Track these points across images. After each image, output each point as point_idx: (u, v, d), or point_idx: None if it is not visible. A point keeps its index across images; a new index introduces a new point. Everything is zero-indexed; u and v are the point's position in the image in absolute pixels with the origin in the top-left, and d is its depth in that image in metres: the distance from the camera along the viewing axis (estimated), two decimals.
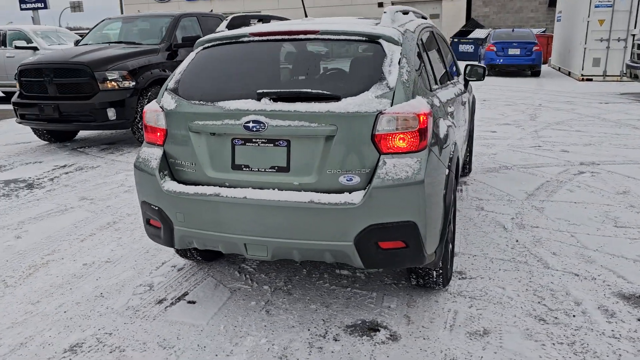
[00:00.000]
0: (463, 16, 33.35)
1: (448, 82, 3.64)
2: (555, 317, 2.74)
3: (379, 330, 2.67)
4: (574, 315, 2.75)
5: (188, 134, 2.64)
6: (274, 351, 2.51)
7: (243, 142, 2.55)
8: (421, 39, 3.11)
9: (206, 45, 2.93)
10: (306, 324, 2.74)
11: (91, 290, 3.18)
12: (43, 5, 27.45)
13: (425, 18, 4.06)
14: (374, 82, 2.47)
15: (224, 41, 2.87)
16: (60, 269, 3.48)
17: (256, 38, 2.80)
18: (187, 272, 3.39)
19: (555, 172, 5.43)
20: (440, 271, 2.83)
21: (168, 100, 2.74)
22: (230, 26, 3.23)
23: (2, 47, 12.84)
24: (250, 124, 2.47)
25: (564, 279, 3.15)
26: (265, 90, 2.49)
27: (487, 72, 4.55)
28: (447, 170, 2.67)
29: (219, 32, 3.01)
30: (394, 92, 2.43)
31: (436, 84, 3.14)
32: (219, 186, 2.60)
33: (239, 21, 3.40)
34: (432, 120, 2.56)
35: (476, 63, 4.43)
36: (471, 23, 31.20)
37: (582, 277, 3.16)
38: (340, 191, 2.44)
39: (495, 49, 16.41)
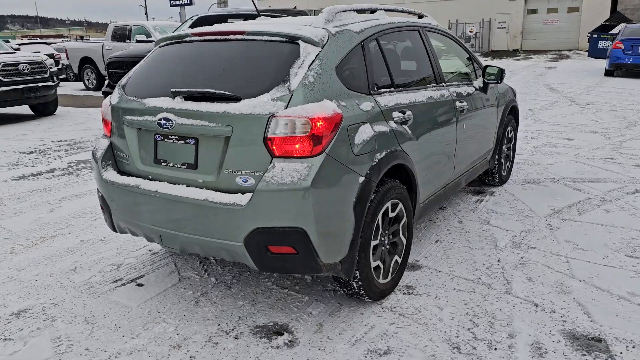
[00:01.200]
0: (607, 9, 30.20)
1: (431, 85, 3.43)
2: (474, 348, 2.50)
3: (282, 334, 2.65)
4: (495, 349, 2.48)
5: (123, 128, 2.84)
6: (173, 340, 2.62)
7: (162, 138, 2.68)
8: (376, 40, 2.98)
9: (161, 44, 3.10)
10: (221, 318, 2.81)
11: (69, 264, 3.54)
12: (189, 2, 30.17)
13: (421, 16, 3.84)
14: (277, 83, 2.44)
15: (172, 41, 3.01)
16: (60, 243, 3.92)
17: (196, 38, 2.90)
18: (158, 256, 3.62)
19: (606, 189, 4.81)
20: (360, 283, 2.72)
21: (116, 95, 2.95)
22: (193, 25, 3.36)
23: (128, 41, 14.45)
24: (162, 121, 2.59)
25: (518, 307, 2.84)
26: (176, 89, 2.59)
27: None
28: (362, 179, 2.54)
29: (179, 31, 3.16)
30: (292, 95, 2.38)
31: (391, 87, 2.99)
32: (144, 178, 2.76)
33: (200, 20, 3.50)
34: (342, 126, 2.46)
35: (494, 64, 4.03)
36: (616, 17, 28.13)
37: (540, 309, 2.82)
38: (236, 192, 2.46)
39: (622, 46, 14.66)
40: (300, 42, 2.59)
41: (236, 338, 2.63)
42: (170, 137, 2.64)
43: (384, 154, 2.70)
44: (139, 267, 3.45)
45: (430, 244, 3.71)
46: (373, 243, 2.74)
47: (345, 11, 2.96)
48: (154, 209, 2.66)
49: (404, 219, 3.04)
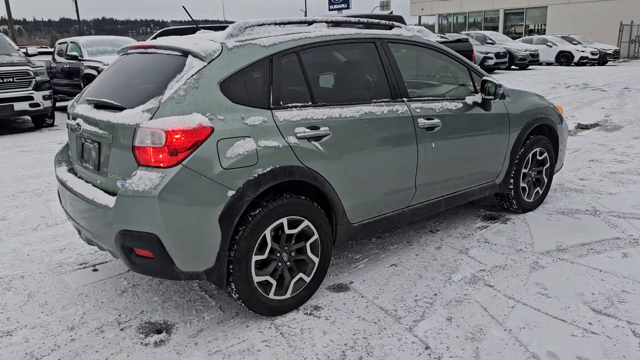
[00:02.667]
0: None
1: (379, 100, 3.25)
2: None
3: (160, 333, 2.79)
4: None
5: (67, 130, 3.23)
6: (73, 322, 2.92)
7: (84, 140, 2.99)
8: (295, 53, 2.95)
9: (119, 54, 3.43)
10: (126, 310, 3.05)
11: (62, 245, 4.08)
12: (346, 6, 31.34)
13: (391, 27, 3.64)
14: (154, 96, 2.59)
15: (122, 52, 3.32)
16: (64, 227, 4.49)
17: (130, 50, 3.17)
18: None
19: None
20: (238, 296, 2.74)
21: (73, 100, 3.36)
22: (154, 38, 3.63)
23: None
24: (76, 125, 2.91)
25: (404, 347, 2.61)
26: (88, 98, 2.88)
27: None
28: (232, 192, 2.57)
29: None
30: (159, 108, 2.51)
31: (307, 102, 2.93)
32: (76, 176, 3.12)
33: (164, 33, 3.73)
34: (210, 139, 2.52)
35: (490, 78, 3.57)
36: None
37: (427, 352, 2.56)
38: (116, 194, 2.67)
39: None
40: (189, 56, 2.70)
41: (121, 330, 2.84)
42: (86, 139, 2.94)
43: (268, 169, 2.68)
44: (110, 255, 3.84)
45: (382, 267, 3.52)
46: (256, 258, 2.74)
47: (261, 25, 2.98)
48: (72, 203, 2.99)
49: (314, 237, 2.96)
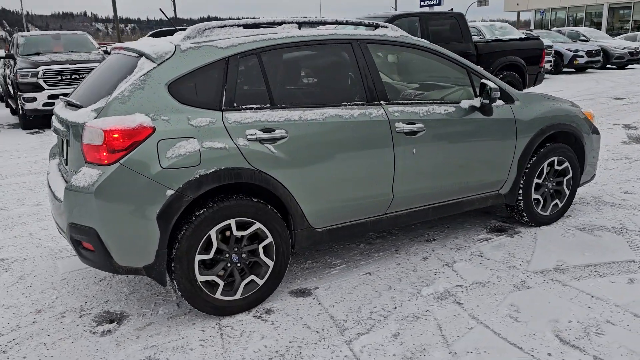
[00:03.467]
0: None
1: (350, 103, 3.15)
2: None
3: (111, 323, 2.91)
4: None
5: None
6: (43, 306, 3.12)
7: (58, 136, 3.18)
8: (256, 55, 2.93)
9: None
10: (93, 298, 3.20)
11: (49, 227, 4.36)
12: (438, 2, 30.68)
13: (376, 26, 3.49)
14: (104, 96, 2.70)
15: (110, 52, 3.48)
16: None
17: (114, 51, 3.31)
18: None
19: None
20: (181, 293, 2.79)
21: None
22: (150, 36, 3.75)
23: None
24: (52, 123, 3.10)
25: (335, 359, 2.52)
26: (63, 98, 3.05)
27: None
28: (170, 192, 2.61)
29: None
30: (104, 107, 2.61)
31: (265, 103, 2.90)
32: (57, 169, 3.32)
33: (158, 33, 3.83)
34: (150, 139, 2.58)
35: (487, 81, 3.25)
36: None
37: None
38: None
39: None
40: (142, 57, 2.78)
41: (80, 317, 2.99)
42: (59, 136, 3.12)
43: (212, 170, 2.69)
44: None
45: (356, 274, 3.42)
46: (200, 257, 2.76)
47: (223, 27, 2.98)
48: (49, 195, 3.19)
49: (268, 240, 2.94)
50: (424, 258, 3.63)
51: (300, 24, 3.26)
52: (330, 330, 2.76)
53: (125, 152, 2.55)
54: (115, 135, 2.53)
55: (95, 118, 2.59)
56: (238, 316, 2.94)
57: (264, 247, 2.96)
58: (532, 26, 39.66)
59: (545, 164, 4.00)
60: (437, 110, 3.43)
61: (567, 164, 4.11)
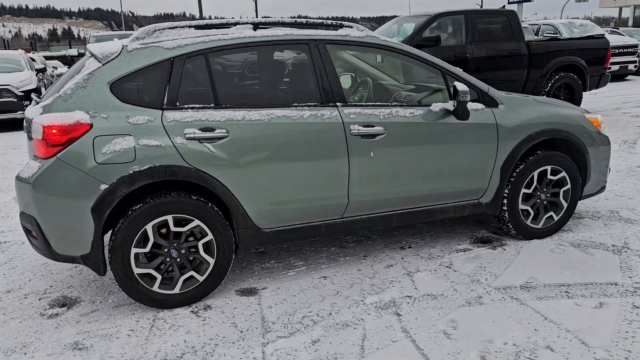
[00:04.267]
0: None
1: (303, 104, 3.12)
2: None
3: (62, 307, 3.10)
4: None
5: None
6: (12, 288, 3.38)
7: None
8: (203, 56, 2.98)
9: None
10: (60, 283, 3.42)
11: None
12: None
13: (340, 26, 3.41)
14: (55, 93, 2.88)
15: None
16: None
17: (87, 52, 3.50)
18: None
19: None
20: (118, 284, 2.91)
21: None
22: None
23: None
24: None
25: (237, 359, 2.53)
26: (35, 96, 3.28)
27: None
28: (104, 186, 2.74)
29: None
30: (50, 104, 2.78)
31: (209, 103, 2.96)
32: None
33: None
34: (87, 135, 2.72)
35: (459, 83, 3.01)
36: None
37: None
38: None
39: None
40: (91, 58, 2.93)
41: (39, 299, 3.21)
42: None
43: (146, 167, 2.78)
44: None
45: (311, 278, 3.39)
46: (137, 251, 2.87)
47: (174, 28, 3.06)
48: None
49: (208, 237, 2.99)
50: (389, 265, 3.52)
51: (256, 25, 3.27)
52: (254, 332, 2.77)
53: (62, 147, 2.70)
54: (54, 131, 2.69)
55: (41, 114, 2.77)
56: (177, 310, 3.02)
57: (205, 244, 3.01)
58: (630, 23, 36.61)
59: (536, 173, 3.73)
60: (401, 113, 3.31)
61: (563, 174, 3.80)
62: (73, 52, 19.87)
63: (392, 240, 3.97)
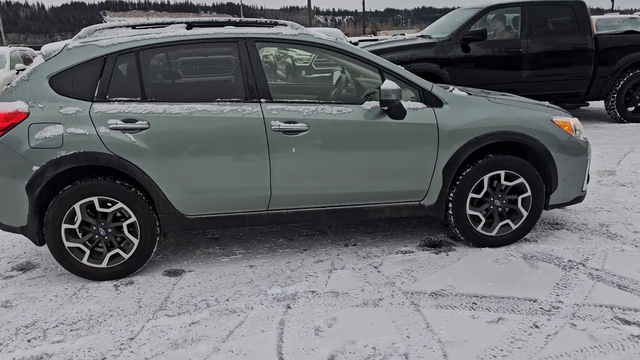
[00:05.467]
0: None
1: (228, 100, 3.28)
2: None
3: (20, 271, 3.59)
4: None
5: None
6: (2, 253, 3.96)
7: None
8: (134, 53, 3.26)
9: None
10: (38, 253, 3.93)
11: None
12: None
13: (274, 24, 3.48)
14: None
15: None
16: None
17: None
18: None
19: (598, 315, 2.95)
20: (52, 255, 3.31)
21: None
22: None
23: None
24: None
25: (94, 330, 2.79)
26: None
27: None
28: (36, 168, 3.12)
29: None
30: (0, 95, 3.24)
31: (136, 97, 3.23)
32: None
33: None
34: (24, 122, 3.13)
35: (388, 82, 2.84)
36: None
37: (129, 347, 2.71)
38: None
39: None
40: (40, 55, 3.33)
41: (8, 263, 3.73)
42: None
43: (71, 152, 3.13)
44: None
45: (239, 265, 3.55)
46: (67, 226, 3.24)
47: (113, 27, 3.37)
48: None
49: (132, 219, 3.29)
50: (319, 261, 3.58)
51: (190, 24, 3.48)
52: (149, 308, 3.01)
53: (3, 132, 3.13)
54: None
55: None
56: (103, 283, 3.35)
57: (129, 226, 3.30)
58: None
59: (486, 177, 3.54)
60: (328, 111, 3.34)
61: (521, 180, 3.57)
62: None
63: (343, 236, 4.00)
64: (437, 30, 8.42)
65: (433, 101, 3.46)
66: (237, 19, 3.59)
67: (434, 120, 3.42)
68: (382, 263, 3.50)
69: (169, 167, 3.23)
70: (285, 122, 3.28)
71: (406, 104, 3.41)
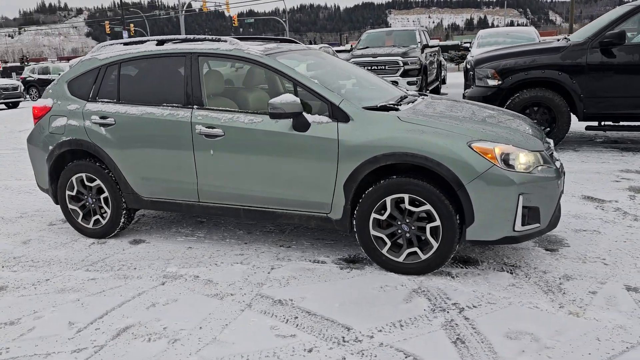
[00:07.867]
0: None
1: (170, 105, 3.94)
2: None
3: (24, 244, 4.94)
4: None
5: None
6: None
7: None
8: (118, 65, 4.16)
9: None
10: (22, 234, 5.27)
11: None
12: None
13: (217, 40, 3.91)
14: None
15: None
16: None
17: None
18: None
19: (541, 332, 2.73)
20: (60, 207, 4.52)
21: None
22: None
23: None
24: None
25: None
26: None
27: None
28: (51, 147, 4.32)
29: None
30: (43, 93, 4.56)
31: (114, 99, 4.16)
32: None
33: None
34: (48, 114, 4.37)
35: (283, 97, 2.65)
36: None
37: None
38: None
39: None
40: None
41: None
42: None
43: (68, 138, 4.25)
44: None
45: (182, 245, 4.20)
46: (69, 193, 4.40)
47: (112, 44, 4.33)
48: None
49: (106, 194, 4.27)
50: (239, 254, 3.95)
51: (160, 41, 4.20)
52: (75, 264, 3.92)
53: (38, 119, 4.44)
54: (36, 110, 4.44)
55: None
56: (87, 240, 4.41)
57: (104, 198, 4.28)
58: None
59: (388, 199, 3.40)
60: (241, 119, 3.70)
61: (428, 207, 3.32)
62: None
63: (290, 238, 4.25)
64: (581, 32, 7.28)
65: (340, 116, 3.48)
66: (192, 37, 4.18)
67: (335, 135, 3.45)
68: (281, 266, 3.70)
69: (127, 156, 4.06)
70: (206, 127, 3.77)
71: (311, 118, 3.52)
